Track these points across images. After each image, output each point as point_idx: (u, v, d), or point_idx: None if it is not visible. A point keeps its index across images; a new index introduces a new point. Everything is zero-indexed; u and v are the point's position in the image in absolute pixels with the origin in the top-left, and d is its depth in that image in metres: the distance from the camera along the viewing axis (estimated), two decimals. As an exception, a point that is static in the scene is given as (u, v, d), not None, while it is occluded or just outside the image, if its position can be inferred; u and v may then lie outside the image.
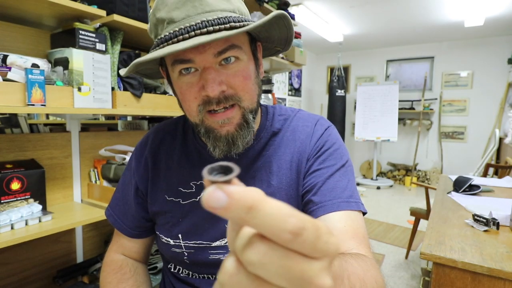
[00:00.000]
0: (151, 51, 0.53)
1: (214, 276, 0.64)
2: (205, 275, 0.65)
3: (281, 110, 0.70)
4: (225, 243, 0.62)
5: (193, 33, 0.49)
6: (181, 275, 0.68)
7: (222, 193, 0.17)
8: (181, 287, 0.68)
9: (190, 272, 0.67)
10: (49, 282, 1.40)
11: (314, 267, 0.17)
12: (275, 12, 0.50)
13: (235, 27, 0.50)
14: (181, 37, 0.49)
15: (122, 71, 0.58)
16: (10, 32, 1.25)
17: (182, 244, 0.64)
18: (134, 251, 0.74)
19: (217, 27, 0.49)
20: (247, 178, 0.64)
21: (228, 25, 0.50)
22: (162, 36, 0.52)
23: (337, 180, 0.59)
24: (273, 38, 0.61)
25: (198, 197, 0.64)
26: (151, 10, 0.56)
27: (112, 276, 0.69)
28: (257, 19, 2.37)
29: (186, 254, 0.64)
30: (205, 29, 0.49)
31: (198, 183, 0.65)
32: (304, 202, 0.60)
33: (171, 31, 0.51)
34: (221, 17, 0.50)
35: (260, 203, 0.17)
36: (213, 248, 0.63)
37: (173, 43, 0.50)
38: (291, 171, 0.63)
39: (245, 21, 0.52)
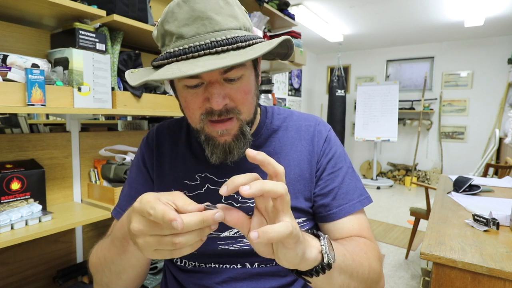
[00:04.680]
0: (159, 61, 0.55)
1: (220, 264, 0.66)
2: (212, 264, 0.66)
3: (279, 110, 0.75)
4: (234, 233, 0.64)
5: (202, 52, 0.51)
6: (188, 267, 0.69)
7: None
8: (186, 279, 0.68)
9: (197, 263, 0.68)
10: (49, 282, 1.40)
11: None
12: (281, 38, 0.54)
13: (242, 47, 0.53)
14: (190, 55, 0.51)
15: (133, 81, 0.58)
16: (10, 32, 1.25)
17: None
18: None
19: (225, 47, 0.52)
20: (256, 169, 0.65)
21: (235, 46, 0.52)
22: (171, 50, 0.53)
23: (348, 183, 0.68)
24: (274, 53, 0.66)
25: (203, 189, 0.67)
26: (159, 20, 0.57)
27: (100, 243, 0.66)
28: (256, 19, 2.35)
29: None
30: (214, 50, 0.51)
31: (203, 175, 0.67)
32: (321, 204, 0.66)
33: (181, 47, 0.52)
34: (229, 38, 0.52)
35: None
36: (222, 239, 0.64)
37: (182, 59, 0.52)
38: (300, 168, 0.67)
39: (251, 39, 0.55)
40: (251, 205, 0.64)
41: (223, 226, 0.64)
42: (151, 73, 0.56)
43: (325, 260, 0.43)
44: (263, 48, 0.52)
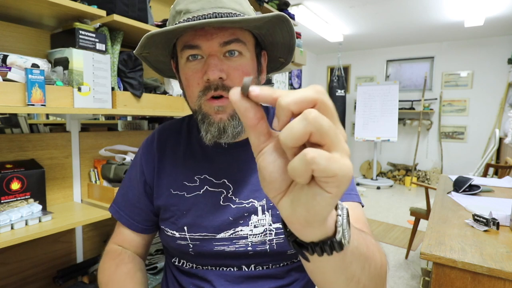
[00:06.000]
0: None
1: (218, 267, 0.66)
2: (209, 266, 0.67)
3: None
4: (229, 235, 0.64)
5: (204, 21, 0.54)
6: (186, 267, 0.69)
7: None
8: (185, 279, 0.69)
9: (194, 265, 0.68)
10: (49, 282, 1.40)
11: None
12: (278, 12, 0.54)
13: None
14: (193, 23, 0.55)
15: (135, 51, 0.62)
16: (10, 32, 1.25)
17: (188, 236, 0.65)
18: (134, 245, 0.75)
19: (226, 19, 0.54)
20: (253, 171, 0.66)
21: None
22: (177, 22, 0.58)
23: None
24: (277, 44, 0.65)
25: (201, 191, 0.67)
26: (172, 5, 0.62)
27: (111, 261, 0.70)
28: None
29: (191, 246, 0.65)
30: (215, 19, 0.54)
31: (202, 177, 0.67)
32: None
33: (185, 18, 0.57)
34: (231, 12, 0.56)
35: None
36: (218, 240, 0.64)
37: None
38: None
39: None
40: (246, 205, 0.64)
41: (218, 228, 0.64)
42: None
43: (338, 236, 0.30)
44: (261, 15, 0.53)
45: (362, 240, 0.39)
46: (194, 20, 0.55)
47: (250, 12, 0.61)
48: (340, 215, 0.31)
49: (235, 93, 0.26)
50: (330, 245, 0.30)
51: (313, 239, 0.30)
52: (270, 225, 0.63)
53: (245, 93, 0.26)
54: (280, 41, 0.64)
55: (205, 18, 0.54)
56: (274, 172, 0.26)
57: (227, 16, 0.55)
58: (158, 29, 0.54)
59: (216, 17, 0.54)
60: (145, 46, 0.60)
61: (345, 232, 0.31)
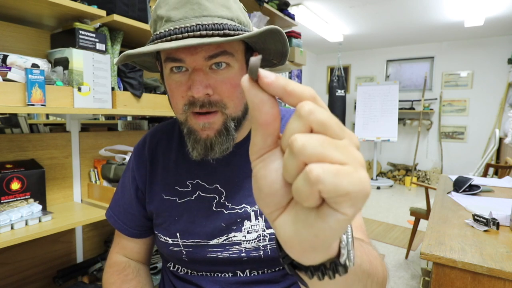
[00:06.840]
0: (146, 45, 0.55)
1: (212, 273, 0.65)
2: (203, 273, 0.66)
3: None
4: (222, 241, 0.63)
5: (186, 34, 0.50)
6: (180, 273, 0.69)
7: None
8: (180, 285, 0.69)
9: (189, 270, 0.67)
10: (49, 282, 1.40)
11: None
12: (269, 26, 0.51)
13: (229, 35, 0.51)
14: (174, 36, 0.51)
15: (116, 60, 0.60)
16: (10, 32, 1.25)
17: (180, 243, 0.65)
18: (136, 251, 0.75)
19: (211, 32, 0.50)
20: (245, 175, 0.64)
21: (222, 32, 0.51)
22: (158, 32, 0.54)
23: None
24: (269, 50, 0.62)
25: (193, 196, 0.65)
26: (153, 6, 0.58)
27: (116, 277, 0.70)
28: (256, 19, 2.35)
29: (184, 252, 0.65)
30: (198, 32, 0.50)
31: (194, 182, 0.66)
32: None
33: (166, 29, 0.52)
34: (216, 23, 0.51)
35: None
36: (211, 246, 0.63)
37: (166, 41, 0.52)
38: None
39: (241, 30, 0.53)
40: (239, 211, 0.63)
41: (211, 234, 0.63)
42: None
43: (342, 259, 0.26)
44: (247, 34, 0.50)
45: (365, 256, 0.36)
46: (176, 32, 0.51)
47: (240, 16, 0.57)
48: (348, 232, 0.28)
49: (245, 80, 0.21)
50: (333, 268, 0.26)
51: (314, 263, 0.26)
52: (264, 230, 0.62)
53: (254, 78, 0.21)
54: (272, 48, 0.61)
55: (187, 31, 0.50)
56: (275, 182, 0.22)
57: (212, 28, 0.50)
58: (135, 50, 0.50)
59: (199, 29, 0.50)
60: (125, 60, 0.57)
61: (350, 253, 0.27)
